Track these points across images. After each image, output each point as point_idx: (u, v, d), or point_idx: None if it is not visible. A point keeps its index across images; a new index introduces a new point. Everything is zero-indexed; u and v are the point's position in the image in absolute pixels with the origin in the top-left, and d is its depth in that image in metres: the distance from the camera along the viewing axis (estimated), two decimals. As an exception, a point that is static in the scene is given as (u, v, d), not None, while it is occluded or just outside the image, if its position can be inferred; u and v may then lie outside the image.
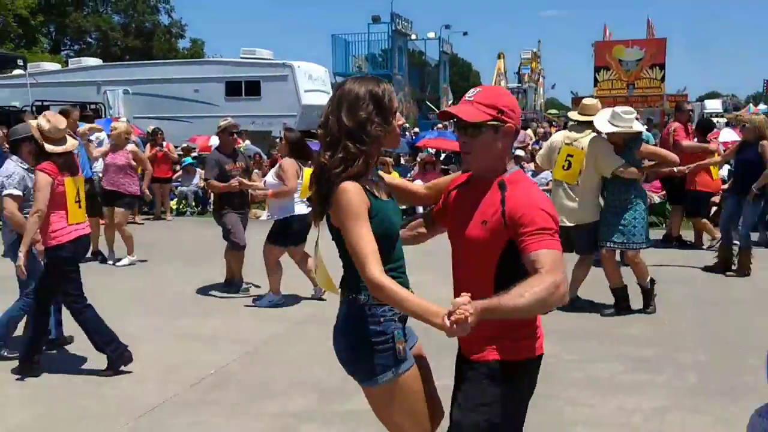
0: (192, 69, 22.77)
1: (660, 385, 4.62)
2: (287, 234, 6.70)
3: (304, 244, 6.71)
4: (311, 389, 4.63)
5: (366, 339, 2.38)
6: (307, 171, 6.61)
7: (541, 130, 19.16)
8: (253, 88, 21.17)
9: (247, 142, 16.09)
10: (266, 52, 22.21)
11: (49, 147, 4.74)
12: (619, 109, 6.21)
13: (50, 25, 47.63)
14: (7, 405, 4.40)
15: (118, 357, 4.90)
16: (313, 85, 21.84)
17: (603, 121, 6.13)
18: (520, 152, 14.08)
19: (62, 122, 4.82)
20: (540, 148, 15.32)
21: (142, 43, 47.89)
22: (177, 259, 9.19)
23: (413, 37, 32.64)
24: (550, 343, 5.45)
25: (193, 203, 14.23)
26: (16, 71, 20.98)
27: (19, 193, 5.07)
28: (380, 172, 2.60)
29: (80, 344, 5.52)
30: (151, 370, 5.02)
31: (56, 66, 25.74)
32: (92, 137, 10.35)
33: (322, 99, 22.47)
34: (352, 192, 2.26)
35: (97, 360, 5.21)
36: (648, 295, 6.34)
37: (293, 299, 6.92)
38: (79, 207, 4.94)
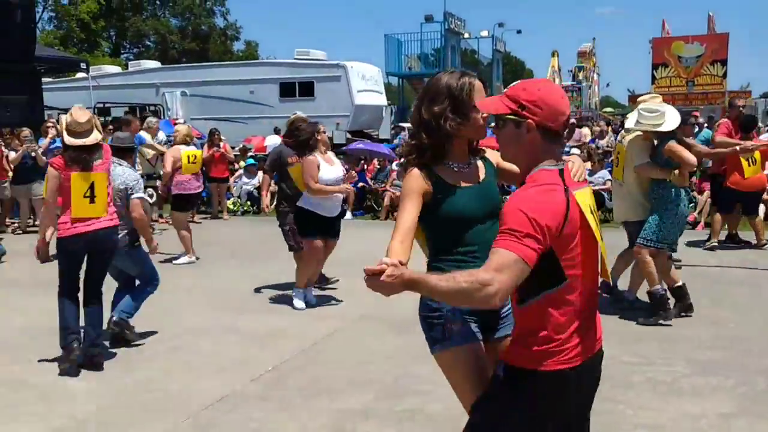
0: (247, 71, 23.10)
1: (726, 390, 4.49)
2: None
3: None
4: (368, 387, 4.64)
5: (426, 312, 2.62)
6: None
7: (597, 128, 18.82)
8: (306, 89, 21.36)
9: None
10: (320, 53, 22.38)
11: (67, 138, 4.97)
12: (642, 106, 6.12)
13: (110, 30, 48.99)
14: (73, 397, 4.54)
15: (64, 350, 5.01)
16: (366, 85, 21.92)
17: (632, 119, 6.13)
18: (576, 150, 13.88)
19: (82, 117, 4.96)
20: (596, 147, 15.13)
21: (198, 46, 48.84)
22: (234, 258, 9.34)
23: (466, 36, 32.47)
24: (609, 344, 5.33)
25: (247, 202, 14.46)
26: (79, 74, 21.64)
27: (145, 196, 5.70)
28: (495, 154, 2.76)
29: (142, 339, 5.67)
30: (210, 365, 5.11)
31: (117, 69, 26.45)
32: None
33: (375, 99, 22.57)
34: (411, 177, 2.54)
35: (159, 355, 5.34)
36: (655, 303, 6.02)
37: (349, 298, 6.96)
38: (91, 202, 4.99)
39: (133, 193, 5.46)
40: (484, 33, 34.32)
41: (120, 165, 5.51)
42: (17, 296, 7.14)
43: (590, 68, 46.05)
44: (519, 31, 45.09)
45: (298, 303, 6.65)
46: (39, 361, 5.18)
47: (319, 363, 5.16)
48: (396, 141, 21.31)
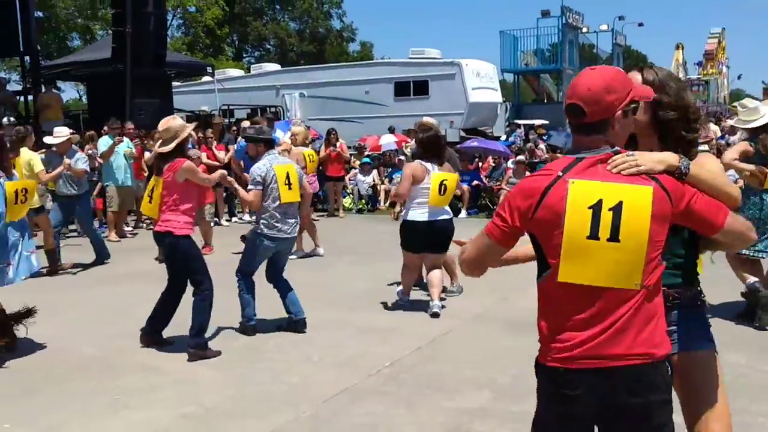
0: (363, 71, 23.43)
1: None
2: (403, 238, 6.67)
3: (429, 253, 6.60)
4: (484, 387, 4.60)
5: None
6: (435, 175, 6.43)
7: (729, 122, 17.74)
8: (421, 88, 21.45)
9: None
10: (434, 51, 22.41)
11: (157, 146, 5.57)
12: (741, 102, 5.89)
13: (234, 35, 51.09)
14: (202, 385, 4.77)
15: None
16: (481, 82, 21.74)
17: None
18: (704, 147, 13.16)
19: (161, 126, 5.44)
20: (726, 143, 14.22)
21: (315, 48, 50.07)
22: (350, 255, 9.51)
23: (584, 30, 31.49)
24: (740, 352, 5.04)
25: (362, 200, 14.71)
26: (206, 78, 22.69)
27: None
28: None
29: (264, 332, 5.87)
30: (329, 359, 5.23)
31: (240, 72, 27.52)
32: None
33: (490, 96, 22.32)
34: None
35: (281, 347, 5.51)
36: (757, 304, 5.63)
37: (465, 296, 6.92)
38: (149, 202, 5.64)
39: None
40: (604, 27, 33.14)
41: (280, 155, 6.06)
42: (150, 287, 7.57)
43: (719, 60, 43.50)
44: (641, 24, 43.37)
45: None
46: (170, 349, 5.49)
47: (436, 361, 5.16)
48: (511, 138, 21.01)
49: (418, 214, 6.43)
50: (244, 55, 51.96)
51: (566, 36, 28.77)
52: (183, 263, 5.44)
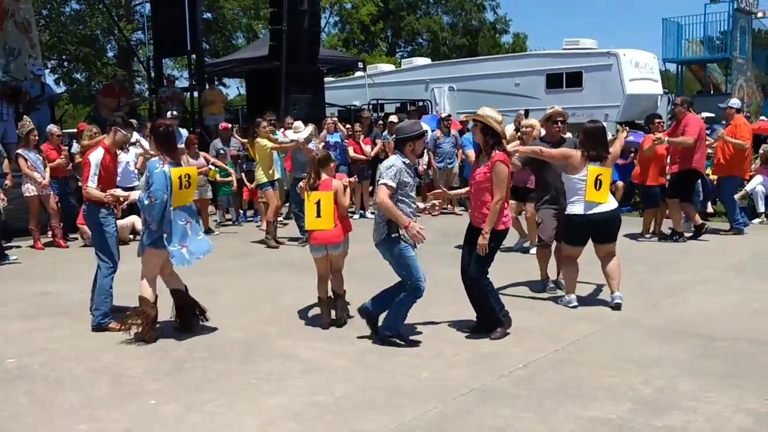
0: (513, 63, 23.01)
1: None
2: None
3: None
4: (624, 397, 4.32)
5: None
6: (593, 169, 6.25)
7: None
8: (574, 79, 20.76)
9: (568, 134, 15.76)
10: (590, 41, 21.59)
11: None
12: None
13: (387, 30, 51.89)
14: (334, 375, 4.85)
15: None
16: (640, 73, 20.70)
17: None
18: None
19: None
20: None
21: (468, 41, 49.77)
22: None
23: (759, 15, 28.97)
24: None
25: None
26: (358, 73, 23.19)
27: (393, 184, 5.22)
28: None
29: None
30: (461, 356, 5.15)
31: (391, 67, 27.88)
32: None
33: (649, 88, 21.18)
34: None
35: (415, 342, 5.48)
36: None
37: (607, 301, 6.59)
38: None
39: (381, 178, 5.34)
40: (783, 10, 30.29)
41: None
42: (294, 277, 7.87)
43: None
44: (828, 6, 39.23)
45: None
46: (308, 338, 5.64)
47: (573, 365, 4.92)
48: (672, 132, 19.81)
49: (577, 207, 6.34)
50: (398, 50, 52.64)
51: (737, 22, 26.64)
52: None
